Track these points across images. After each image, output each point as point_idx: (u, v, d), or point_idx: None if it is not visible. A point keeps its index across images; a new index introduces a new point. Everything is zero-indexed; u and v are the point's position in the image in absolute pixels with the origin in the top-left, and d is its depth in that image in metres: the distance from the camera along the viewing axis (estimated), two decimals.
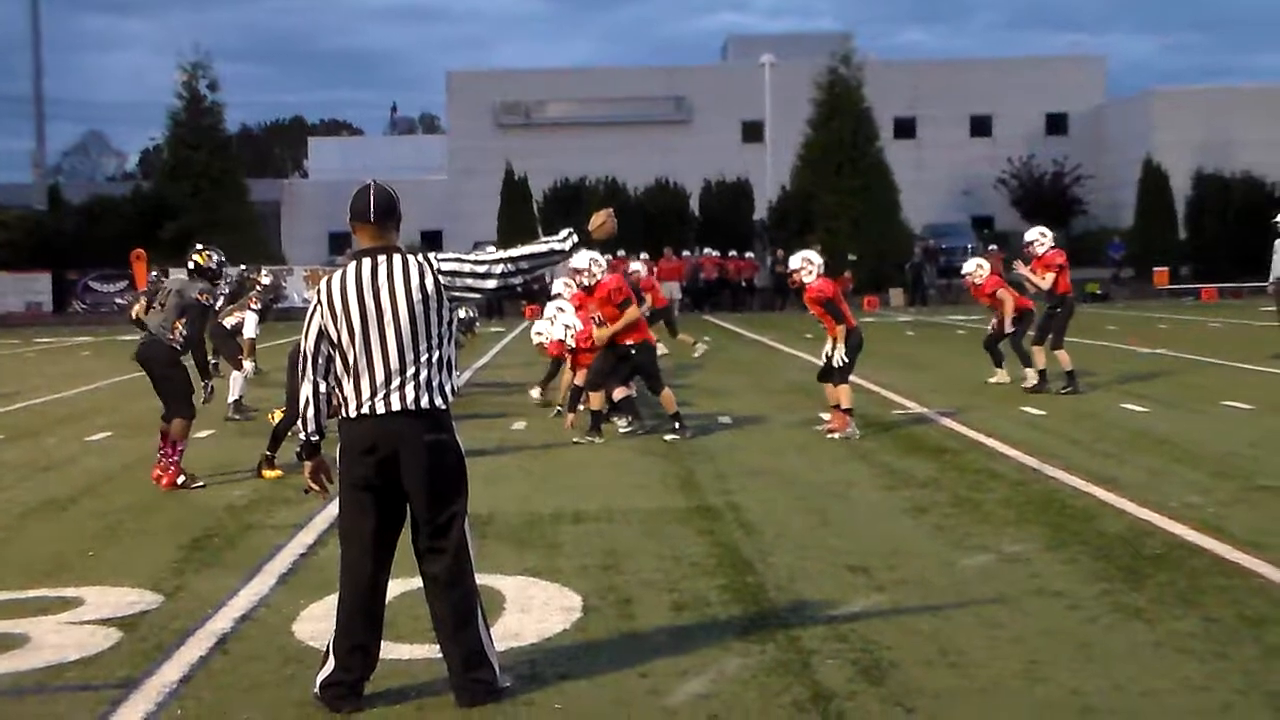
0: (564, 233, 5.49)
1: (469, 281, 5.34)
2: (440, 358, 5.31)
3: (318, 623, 6.43)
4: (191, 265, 11.24)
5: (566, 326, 13.94)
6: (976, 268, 16.75)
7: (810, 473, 10.91)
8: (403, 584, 6.14)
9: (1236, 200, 48.29)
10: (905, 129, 65.43)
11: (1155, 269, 46.98)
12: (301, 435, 5.51)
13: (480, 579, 7.09)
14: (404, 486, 5.27)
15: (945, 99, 65.98)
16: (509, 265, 5.38)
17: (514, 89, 67.93)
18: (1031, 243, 16.47)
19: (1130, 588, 6.88)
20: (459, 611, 5.35)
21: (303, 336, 5.47)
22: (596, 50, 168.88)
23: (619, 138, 63.48)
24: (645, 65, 74.32)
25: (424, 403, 5.23)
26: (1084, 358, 17.81)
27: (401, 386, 5.23)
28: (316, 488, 5.59)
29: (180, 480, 10.64)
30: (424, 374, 5.25)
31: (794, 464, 11.39)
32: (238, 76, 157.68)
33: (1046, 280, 16.07)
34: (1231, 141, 54.98)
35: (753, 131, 60.75)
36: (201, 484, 10.65)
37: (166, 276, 21.66)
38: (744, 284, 45.41)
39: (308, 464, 5.54)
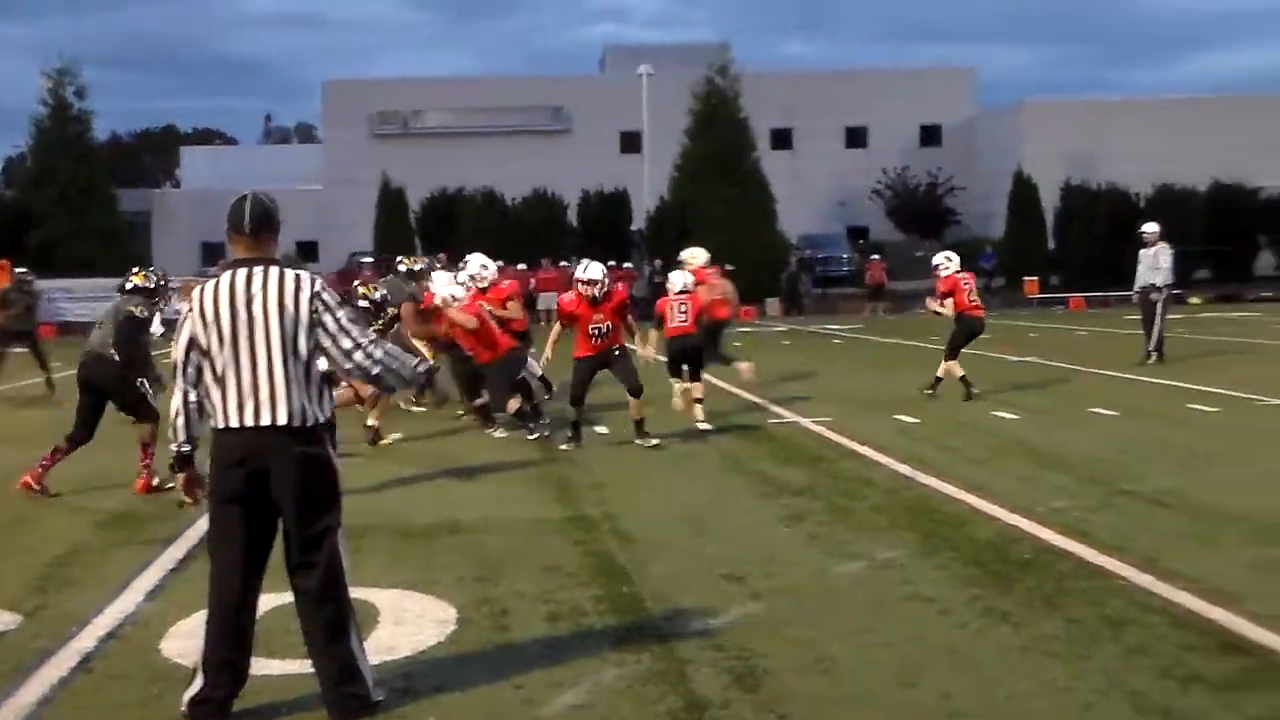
0: (424, 365, 5.66)
1: (331, 341, 5.27)
2: (311, 373, 5.25)
3: (187, 640, 6.31)
4: (130, 285, 11.17)
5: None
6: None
7: (686, 482, 10.97)
8: (275, 598, 6.06)
9: (1103, 211, 49.42)
10: (782, 140, 66.11)
11: (1025, 278, 47.83)
12: (172, 447, 5.41)
13: (354, 592, 6.99)
14: (275, 500, 5.21)
15: (821, 110, 66.72)
16: (371, 362, 5.34)
17: (391, 98, 67.49)
18: (936, 266, 16.79)
19: (999, 592, 7.00)
20: (331, 626, 5.29)
21: (174, 344, 5.39)
22: (475, 60, 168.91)
23: (497, 148, 63.35)
24: (524, 75, 74.22)
25: (295, 417, 5.17)
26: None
27: (272, 399, 5.16)
28: (190, 500, 5.50)
29: (155, 483, 10.72)
30: (295, 388, 5.19)
31: (670, 473, 11.43)
32: (110, 83, 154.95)
33: (947, 307, 16.55)
34: (1099, 153, 56.20)
35: (631, 142, 60.96)
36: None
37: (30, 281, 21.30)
38: None
39: (180, 476, 5.45)
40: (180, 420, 5.34)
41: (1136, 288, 21.16)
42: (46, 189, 48.52)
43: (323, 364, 5.29)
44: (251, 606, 5.33)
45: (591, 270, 12.97)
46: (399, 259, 16.84)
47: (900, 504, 9.67)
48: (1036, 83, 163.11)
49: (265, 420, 5.15)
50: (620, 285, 13.54)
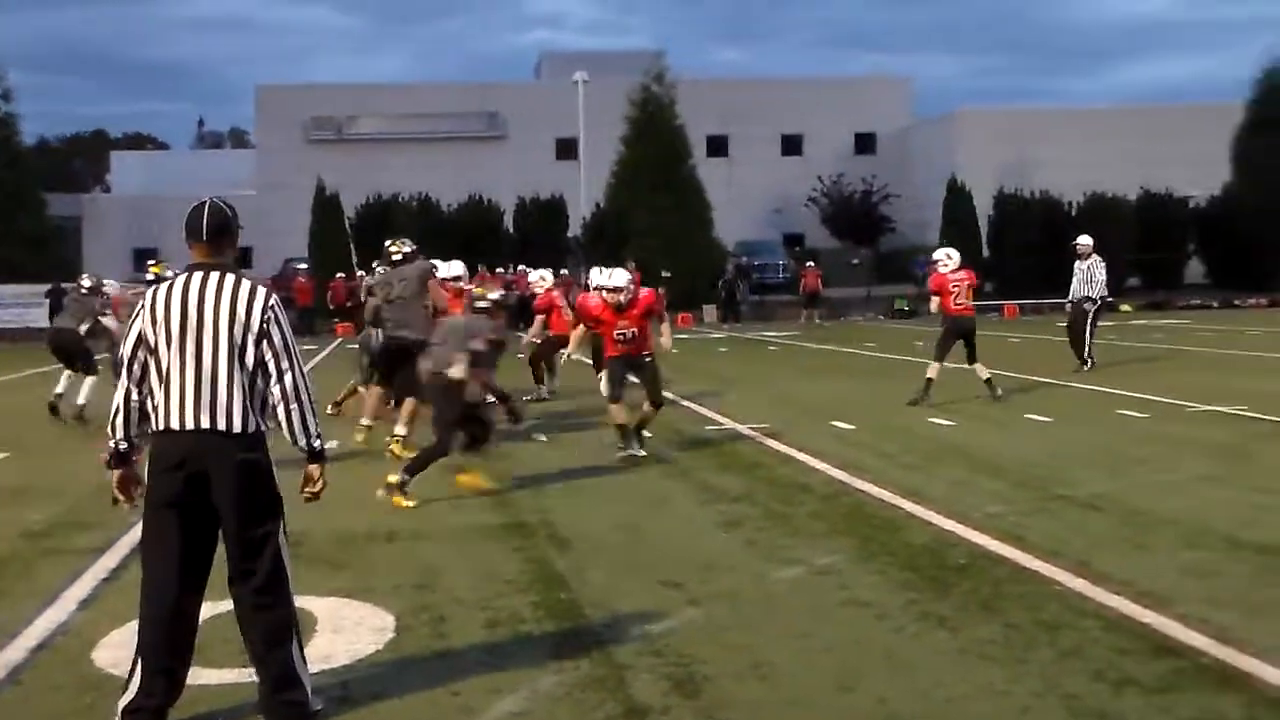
0: (320, 444, 5.52)
1: (271, 356, 5.22)
2: (255, 382, 5.21)
3: (119, 650, 6.24)
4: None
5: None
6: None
7: (624, 488, 10.97)
8: (213, 607, 6.00)
9: (1036, 218, 49.94)
10: (718, 147, 66.40)
11: None
12: (110, 443, 5.35)
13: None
14: (214, 505, 5.16)
15: (757, 118, 67.11)
16: (293, 391, 5.27)
17: (325, 104, 67.22)
18: (935, 261, 16.96)
19: (935, 597, 7.06)
20: (271, 633, 5.24)
21: (123, 341, 5.33)
22: (410, 66, 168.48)
23: (432, 154, 63.26)
24: (459, 81, 74.08)
25: (236, 424, 5.13)
26: (890, 371, 18.24)
27: (213, 404, 5.12)
28: (124, 498, 5.43)
29: None
30: (239, 394, 5.14)
31: (608, 480, 11.43)
32: (37, 86, 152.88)
33: (934, 304, 16.82)
34: (1032, 161, 56.77)
35: (566, 148, 61.03)
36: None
37: None
38: None
39: (116, 473, 5.38)
40: (119, 418, 5.28)
41: (1070, 299, 21.39)
42: None
43: None
44: (189, 615, 5.26)
45: (616, 277, 12.69)
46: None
47: (837, 510, 9.72)
48: (968, 91, 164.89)
49: (206, 424, 5.11)
50: (648, 291, 13.22)
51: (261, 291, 5.25)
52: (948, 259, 16.80)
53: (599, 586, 7.44)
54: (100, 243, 61.94)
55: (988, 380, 16.38)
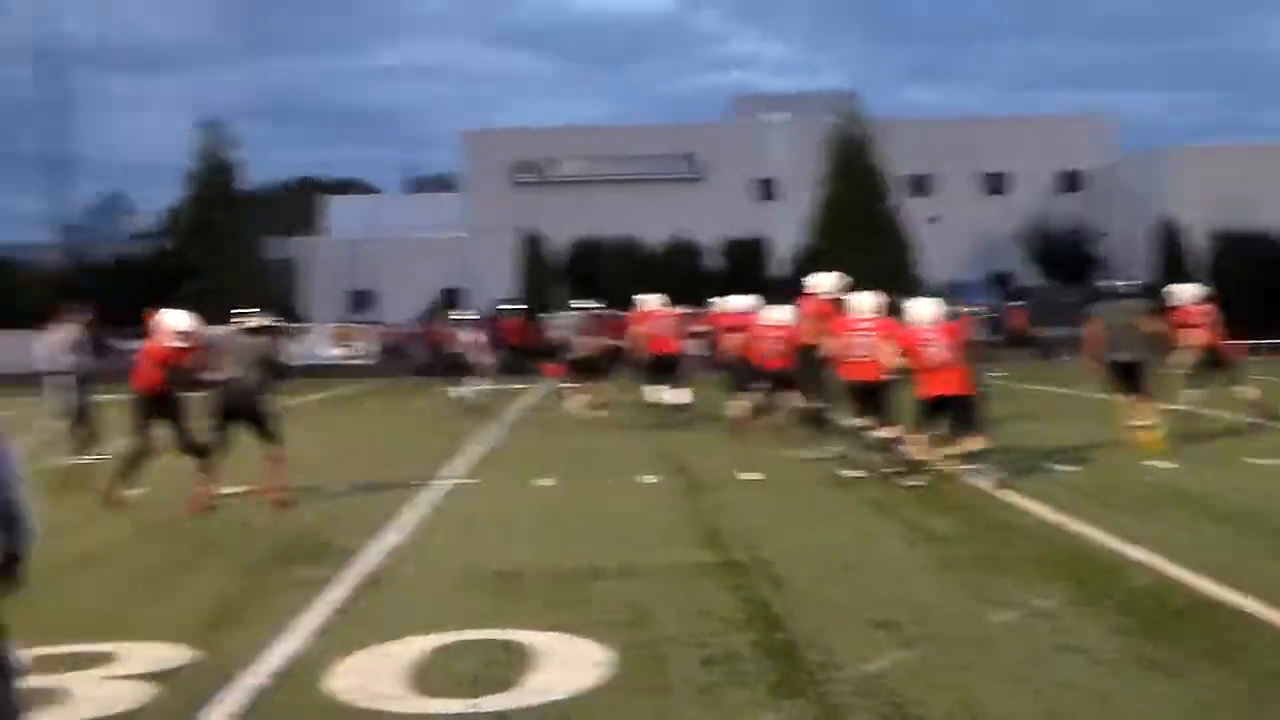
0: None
1: None
2: None
3: (350, 677, 6.53)
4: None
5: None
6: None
7: (835, 528, 10.97)
8: (438, 638, 6.21)
9: (1257, 257, 48.37)
10: (919, 186, 65.78)
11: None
12: None
13: (512, 634, 7.19)
14: None
15: (957, 156, 66.39)
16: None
17: (527, 147, 68.51)
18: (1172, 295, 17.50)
19: (1155, 643, 6.93)
20: None
21: None
22: (605, 109, 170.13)
23: (632, 195, 63.98)
24: (655, 124, 74.77)
25: None
26: (1102, 412, 17.82)
27: None
28: None
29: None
30: None
31: (819, 520, 11.45)
32: (256, 135, 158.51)
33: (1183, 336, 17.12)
34: (1249, 198, 55.03)
35: (764, 188, 61.18)
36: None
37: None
38: None
39: None
40: None
41: None
42: (201, 240, 50.03)
43: None
44: None
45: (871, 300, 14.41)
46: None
47: (1052, 552, 9.59)
48: (1169, 128, 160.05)
49: None
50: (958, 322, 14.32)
51: None
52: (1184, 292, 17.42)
53: (813, 626, 7.47)
54: (316, 284, 64.00)
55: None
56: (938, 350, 13.18)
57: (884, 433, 13.90)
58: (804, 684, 6.34)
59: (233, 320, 13.65)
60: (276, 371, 13.64)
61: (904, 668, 6.59)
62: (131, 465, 13.01)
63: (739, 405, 18.01)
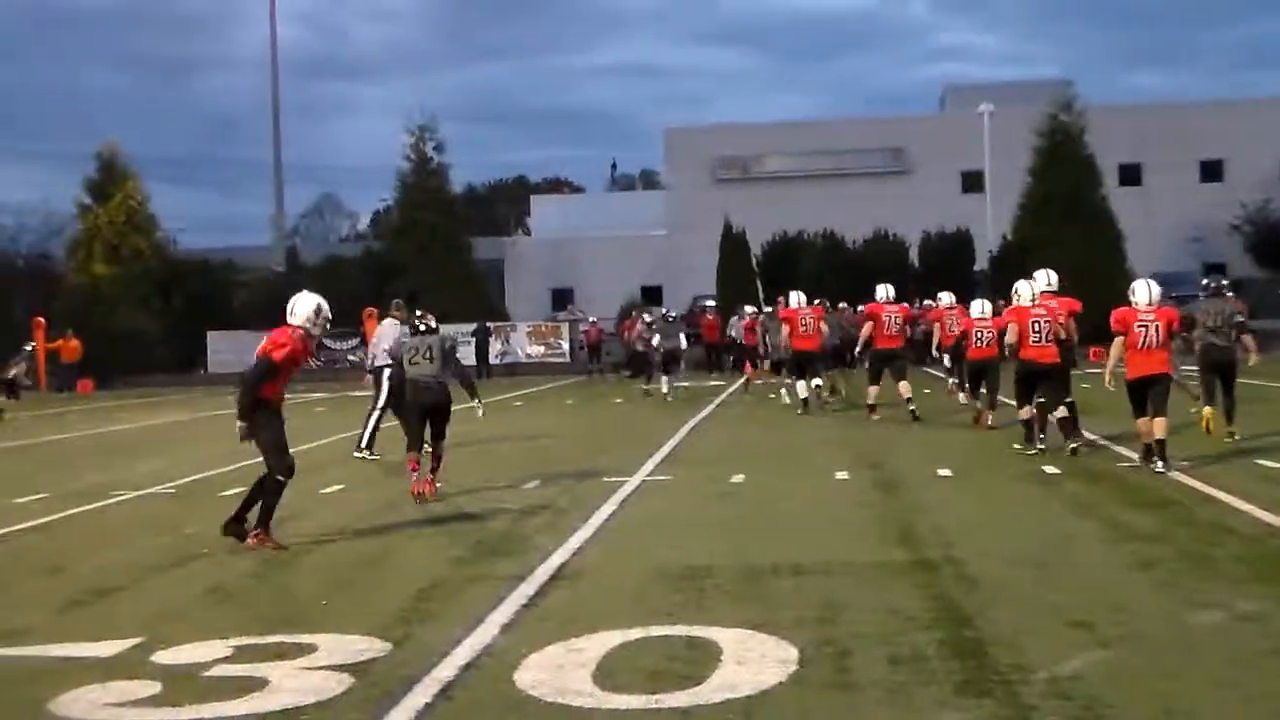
0: None
1: None
2: None
3: (538, 672, 6.59)
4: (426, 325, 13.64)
5: None
6: None
7: (1030, 526, 10.74)
8: (619, 634, 6.20)
9: None
10: (1130, 176, 63.94)
11: None
12: None
13: (698, 631, 7.20)
14: None
15: (1173, 144, 64.26)
16: None
17: (731, 144, 68.59)
18: None
19: None
20: None
21: None
22: (814, 103, 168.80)
23: (837, 190, 63.54)
24: (862, 116, 74.17)
25: None
26: None
27: None
28: None
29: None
30: None
31: (1014, 517, 11.22)
32: (463, 137, 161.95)
33: None
34: None
35: (972, 181, 60.19)
36: None
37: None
38: None
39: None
40: None
41: None
42: (409, 240, 51.24)
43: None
44: None
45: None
46: None
47: (1265, 554, 9.23)
48: None
49: None
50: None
51: None
52: None
53: (1005, 625, 7.31)
54: (521, 283, 65.09)
55: None
56: (1153, 332, 13.49)
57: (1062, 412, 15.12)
58: (993, 684, 6.20)
59: (411, 318, 14.35)
60: (460, 368, 14.07)
61: (1100, 670, 6.40)
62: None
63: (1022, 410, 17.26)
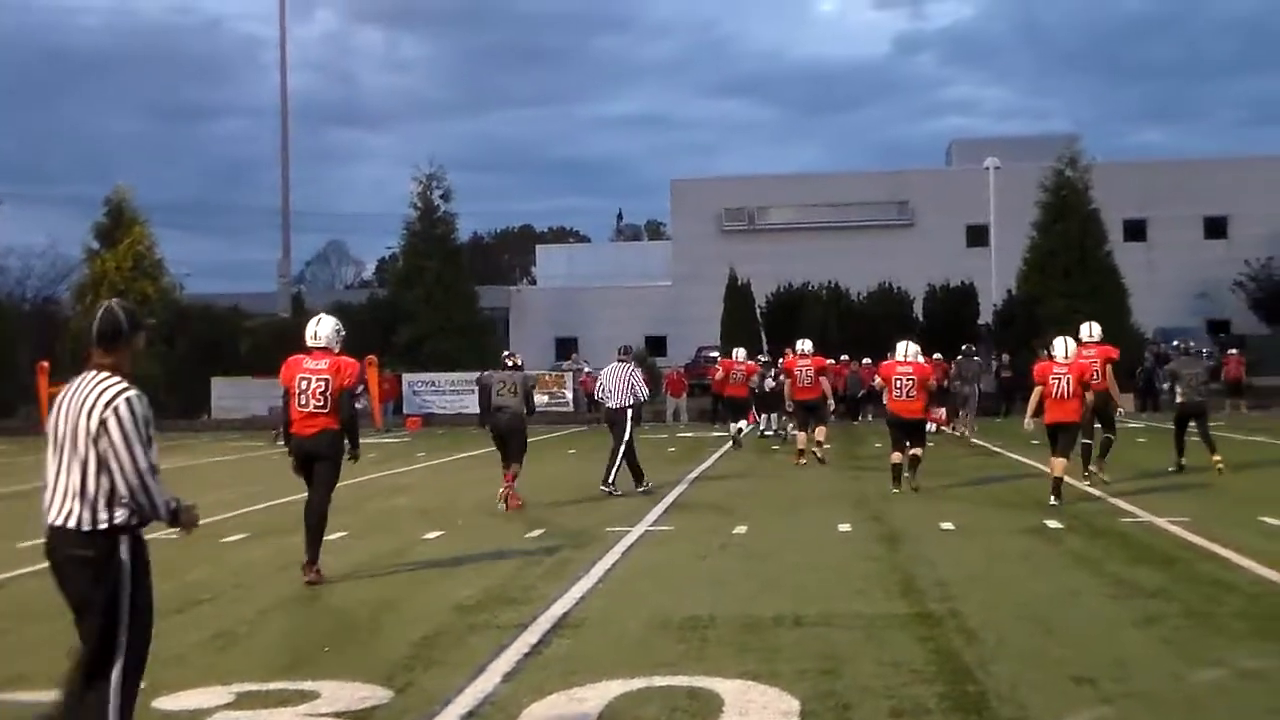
0: (172, 508, 5.53)
1: (113, 453, 5.27)
2: (95, 485, 5.29)
3: None
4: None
5: None
6: None
7: (1033, 580, 10.74)
8: (620, 684, 6.22)
9: None
10: (1135, 231, 64.06)
11: None
12: None
13: (700, 681, 7.20)
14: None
15: (1178, 200, 64.40)
16: (132, 492, 5.30)
17: (737, 195, 68.80)
18: None
19: None
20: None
21: None
22: (820, 155, 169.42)
23: (841, 242, 63.65)
24: (867, 170, 74.41)
25: (73, 521, 5.28)
26: None
27: (64, 501, 5.30)
28: None
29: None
30: (78, 496, 5.28)
31: (1017, 571, 11.22)
32: (470, 186, 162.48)
33: None
34: None
35: (977, 235, 60.29)
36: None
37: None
38: None
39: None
40: None
41: None
42: (415, 287, 51.37)
43: None
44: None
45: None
46: None
47: (1267, 611, 9.22)
48: None
49: (58, 521, 5.33)
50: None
51: (111, 392, 5.30)
52: None
53: (1007, 679, 7.31)
54: (524, 332, 65.16)
55: None
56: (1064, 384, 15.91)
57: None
58: None
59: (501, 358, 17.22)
60: (531, 403, 16.74)
61: None
62: None
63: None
